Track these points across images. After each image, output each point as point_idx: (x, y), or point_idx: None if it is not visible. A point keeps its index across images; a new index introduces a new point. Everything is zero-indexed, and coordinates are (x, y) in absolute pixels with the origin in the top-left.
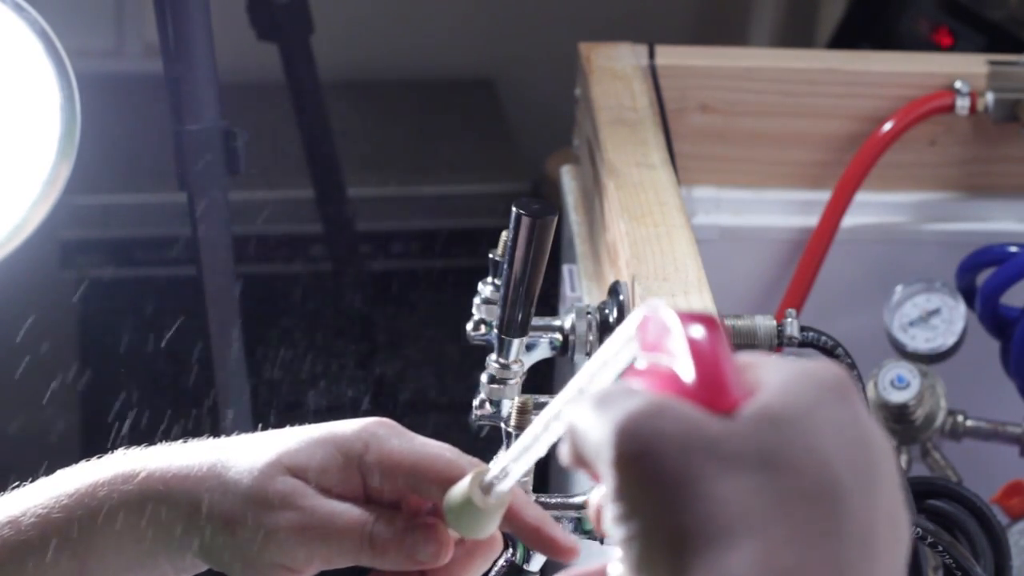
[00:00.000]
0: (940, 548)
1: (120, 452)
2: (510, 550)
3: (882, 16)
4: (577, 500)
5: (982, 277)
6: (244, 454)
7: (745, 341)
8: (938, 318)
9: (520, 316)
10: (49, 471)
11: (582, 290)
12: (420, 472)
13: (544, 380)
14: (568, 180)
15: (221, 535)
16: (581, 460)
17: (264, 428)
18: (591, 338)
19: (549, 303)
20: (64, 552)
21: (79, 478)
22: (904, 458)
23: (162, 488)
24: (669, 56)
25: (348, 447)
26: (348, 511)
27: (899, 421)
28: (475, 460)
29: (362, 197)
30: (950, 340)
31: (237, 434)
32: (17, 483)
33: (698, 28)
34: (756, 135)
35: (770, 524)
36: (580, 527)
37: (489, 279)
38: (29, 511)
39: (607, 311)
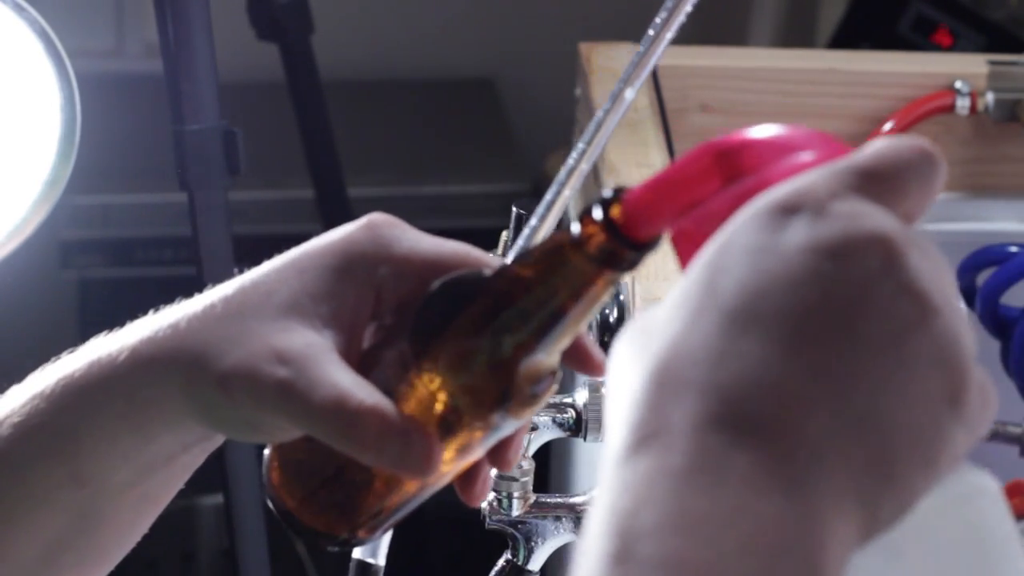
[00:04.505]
0: None
1: (93, 340)
2: (509, 551)
3: (882, 16)
4: (577, 500)
5: (982, 277)
6: (245, 302)
7: None
8: None
9: None
10: None
11: None
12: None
13: None
14: None
15: (218, 396)
16: None
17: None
18: (591, 338)
19: None
20: (52, 460)
21: (53, 375)
22: None
23: (148, 359)
24: (669, 56)
25: (362, 261)
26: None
27: None
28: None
29: (362, 197)
30: None
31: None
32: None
33: (698, 28)
34: None
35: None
36: (580, 527)
37: None
38: (4, 422)
39: (607, 311)
